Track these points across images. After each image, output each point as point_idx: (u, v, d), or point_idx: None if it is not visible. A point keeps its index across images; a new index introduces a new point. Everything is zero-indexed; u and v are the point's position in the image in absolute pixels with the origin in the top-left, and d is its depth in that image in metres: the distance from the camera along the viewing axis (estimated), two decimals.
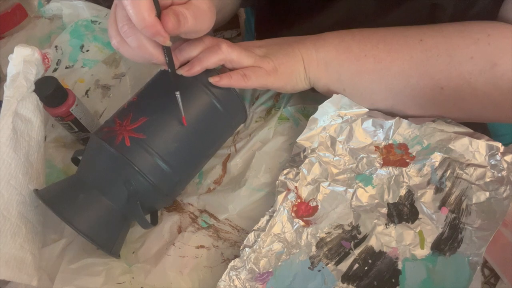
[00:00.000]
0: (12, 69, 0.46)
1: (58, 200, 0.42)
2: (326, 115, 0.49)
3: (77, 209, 0.42)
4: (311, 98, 0.55)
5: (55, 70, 0.66)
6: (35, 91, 0.47)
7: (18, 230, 0.42)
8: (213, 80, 0.44)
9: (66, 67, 0.66)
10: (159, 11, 0.35)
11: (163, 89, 0.45)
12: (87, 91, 0.63)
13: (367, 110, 0.49)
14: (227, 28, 1.17)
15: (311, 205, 0.46)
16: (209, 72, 0.44)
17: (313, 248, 0.43)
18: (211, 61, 0.43)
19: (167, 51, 0.39)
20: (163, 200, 0.46)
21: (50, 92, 0.47)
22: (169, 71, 0.40)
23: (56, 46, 0.67)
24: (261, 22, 0.67)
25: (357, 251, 0.42)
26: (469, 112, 0.45)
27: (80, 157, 0.47)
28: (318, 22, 0.49)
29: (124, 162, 0.41)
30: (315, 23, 0.49)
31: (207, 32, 0.41)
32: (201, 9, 0.38)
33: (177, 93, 0.41)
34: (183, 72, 0.43)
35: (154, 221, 0.47)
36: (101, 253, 0.45)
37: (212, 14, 0.40)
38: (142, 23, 0.34)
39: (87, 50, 0.67)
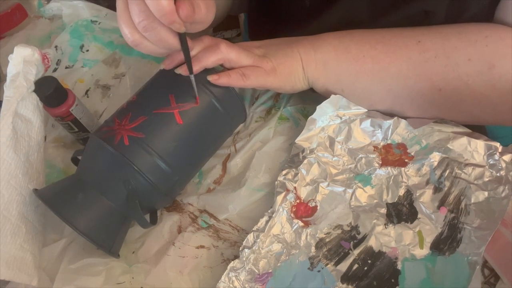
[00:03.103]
0: (12, 69, 0.46)
1: (58, 199, 0.42)
2: (325, 116, 0.49)
3: (77, 208, 0.42)
4: (311, 98, 0.55)
5: (55, 70, 0.66)
6: (35, 91, 0.47)
7: (18, 230, 0.42)
8: (211, 78, 0.44)
9: (66, 67, 0.66)
10: None
11: (163, 88, 0.45)
12: (87, 91, 0.63)
13: (365, 110, 0.49)
14: (226, 28, 1.17)
15: (310, 206, 0.46)
16: (208, 71, 0.44)
17: (313, 249, 0.43)
18: (210, 60, 0.43)
19: (182, 38, 0.40)
20: (162, 199, 0.46)
21: (50, 92, 0.47)
22: (184, 56, 0.41)
23: (56, 46, 0.67)
24: (255, 30, 0.67)
25: (356, 251, 0.42)
26: (468, 114, 0.45)
27: (80, 157, 0.47)
28: (311, 29, 0.49)
29: (123, 161, 0.41)
30: (308, 30, 0.49)
31: (208, 25, 0.41)
32: (208, 0, 0.39)
33: (192, 75, 0.42)
34: (182, 71, 0.43)
35: (154, 221, 0.48)
36: (101, 253, 0.45)
37: (214, 7, 0.41)
38: (161, 11, 0.35)
39: (87, 50, 0.67)
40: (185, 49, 0.41)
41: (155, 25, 0.37)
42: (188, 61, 0.42)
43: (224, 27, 1.18)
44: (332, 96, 0.48)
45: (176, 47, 0.40)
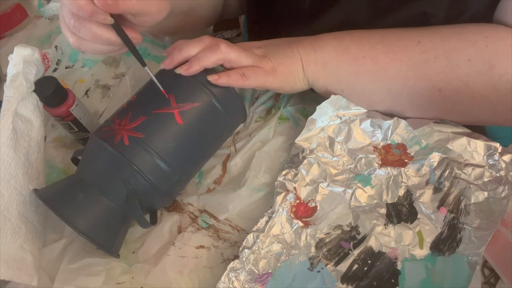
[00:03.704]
0: (12, 69, 0.46)
1: (57, 199, 0.42)
2: (325, 116, 0.49)
3: (76, 208, 0.42)
4: (311, 98, 0.56)
5: (55, 70, 0.66)
6: (35, 91, 0.47)
7: (18, 230, 0.42)
8: (211, 78, 0.44)
9: (66, 67, 0.66)
10: None
11: (162, 88, 0.45)
12: (87, 91, 0.63)
13: (365, 110, 0.49)
14: (227, 28, 1.17)
15: (310, 206, 0.46)
16: (208, 71, 0.44)
17: (312, 249, 0.43)
18: (210, 60, 0.43)
19: (117, 30, 0.39)
20: (162, 199, 0.46)
21: (50, 92, 0.48)
22: (129, 49, 0.41)
23: (56, 46, 0.67)
24: (254, 31, 0.67)
25: (356, 252, 0.42)
26: (467, 114, 0.45)
27: (80, 157, 0.47)
28: (310, 31, 0.49)
29: (123, 161, 0.41)
30: (307, 32, 0.49)
31: (161, 17, 0.41)
32: None
33: (146, 68, 0.41)
34: (181, 71, 0.43)
35: (154, 221, 0.48)
36: (101, 253, 0.45)
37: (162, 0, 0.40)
38: (75, 5, 0.35)
39: None
40: (126, 41, 0.40)
41: (82, 22, 0.37)
42: (134, 53, 0.41)
43: (224, 27, 1.17)
44: (332, 97, 0.48)
45: (116, 41, 0.39)
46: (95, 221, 0.42)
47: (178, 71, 0.43)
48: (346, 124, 0.49)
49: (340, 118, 0.49)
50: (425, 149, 0.46)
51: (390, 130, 0.48)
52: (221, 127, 0.48)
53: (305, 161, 0.47)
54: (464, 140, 0.45)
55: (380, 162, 0.47)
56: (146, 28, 0.42)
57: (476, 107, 0.44)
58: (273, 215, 0.44)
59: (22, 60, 0.46)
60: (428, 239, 0.42)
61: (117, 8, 0.37)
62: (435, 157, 0.45)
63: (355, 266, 0.42)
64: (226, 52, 0.44)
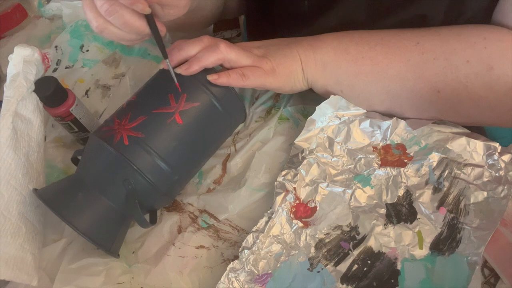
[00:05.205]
0: (12, 69, 0.46)
1: (57, 199, 0.42)
2: (324, 116, 0.49)
3: (76, 208, 0.42)
4: (311, 99, 0.56)
5: (55, 70, 0.66)
6: (35, 91, 0.47)
7: (18, 230, 0.42)
8: (211, 78, 0.44)
9: (66, 67, 0.66)
10: None
11: (162, 88, 0.45)
12: (87, 91, 0.63)
13: (364, 111, 0.49)
14: (226, 28, 1.17)
15: (310, 206, 0.46)
16: (208, 71, 0.44)
17: (312, 249, 0.43)
18: (210, 60, 0.43)
19: (149, 20, 0.39)
20: (162, 199, 0.46)
21: (50, 92, 0.48)
22: (155, 40, 0.40)
23: (56, 46, 0.67)
24: (254, 32, 0.67)
25: (356, 252, 0.42)
26: (466, 115, 0.45)
27: (80, 157, 0.47)
28: (309, 32, 0.49)
29: (123, 161, 0.41)
30: (306, 33, 0.50)
31: (184, 11, 0.40)
32: None
33: (167, 60, 0.41)
34: (181, 71, 0.43)
35: (153, 220, 0.48)
36: (101, 253, 0.45)
37: None
38: None
39: (87, 50, 0.67)
40: (155, 32, 0.40)
41: (117, 8, 0.36)
42: (160, 45, 0.41)
43: (224, 27, 1.18)
44: (332, 97, 0.48)
45: (144, 31, 0.39)
46: (95, 221, 0.42)
47: (178, 71, 0.43)
48: (346, 125, 0.49)
49: (340, 119, 0.49)
50: (424, 149, 0.46)
51: (389, 131, 0.48)
52: (221, 127, 0.48)
53: (304, 162, 0.48)
54: (463, 140, 0.45)
55: (380, 163, 0.47)
56: (166, 21, 0.42)
57: (474, 108, 0.44)
58: (273, 216, 0.44)
59: (22, 60, 0.46)
60: (428, 239, 0.42)
61: None
62: (435, 157, 0.45)
63: (355, 267, 0.42)
64: (225, 52, 0.44)
